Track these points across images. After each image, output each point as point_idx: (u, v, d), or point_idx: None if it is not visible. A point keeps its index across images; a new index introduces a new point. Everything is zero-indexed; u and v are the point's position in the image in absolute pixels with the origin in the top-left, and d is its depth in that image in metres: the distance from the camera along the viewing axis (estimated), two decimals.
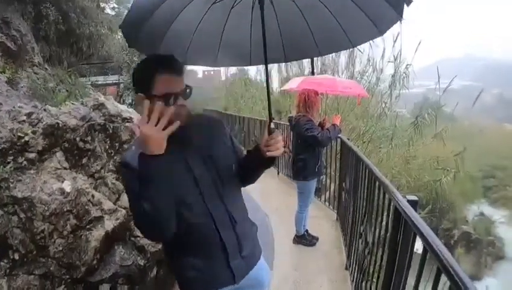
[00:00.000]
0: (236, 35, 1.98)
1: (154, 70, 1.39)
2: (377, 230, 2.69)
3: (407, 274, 2.00)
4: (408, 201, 1.97)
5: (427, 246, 1.52)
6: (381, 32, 2.04)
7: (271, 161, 1.63)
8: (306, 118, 4.14)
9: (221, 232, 1.61)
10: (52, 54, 9.88)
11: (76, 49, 11.67)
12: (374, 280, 2.65)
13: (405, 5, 1.80)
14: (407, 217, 1.82)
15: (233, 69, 20.01)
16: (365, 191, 3.25)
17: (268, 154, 1.56)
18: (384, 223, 2.49)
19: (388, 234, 2.27)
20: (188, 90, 1.46)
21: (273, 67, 12.69)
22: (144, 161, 1.31)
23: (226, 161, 1.64)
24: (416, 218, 1.76)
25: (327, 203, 6.05)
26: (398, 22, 2.01)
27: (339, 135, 5.33)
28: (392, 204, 2.23)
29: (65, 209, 2.48)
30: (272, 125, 1.65)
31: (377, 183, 2.73)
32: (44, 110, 2.61)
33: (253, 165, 1.69)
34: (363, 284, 3.03)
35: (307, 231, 4.62)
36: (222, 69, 18.89)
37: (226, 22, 1.91)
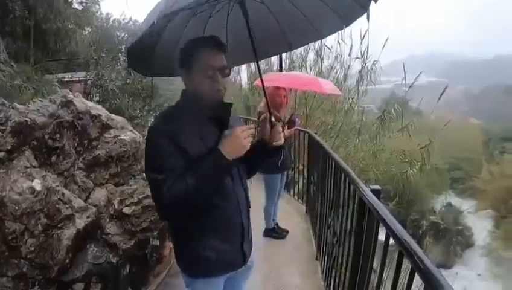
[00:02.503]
0: None
1: (195, 45, 1.62)
2: (344, 220, 2.79)
3: (373, 261, 2.11)
4: (371, 190, 2.08)
5: (390, 232, 1.62)
6: (346, 25, 2.20)
7: (277, 151, 1.88)
8: (266, 118, 4.22)
9: (242, 216, 1.77)
10: (18, 50, 9.61)
11: (43, 45, 11.39)
12: (343, 268, 2.76)
13: (373, 2, 1.92)
14: (371, 205, 1.92)
15: None
16: (332, 183, 3.37)
17: (274, 143, 1.81)
18: (350, 213, 2.60)
19: (354, 223, 2.38)
20: (227, 69, 1.65)
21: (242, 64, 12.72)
22: (224, 160, 1.51)
23: None
24: (379, 206, 1.87)
25: (296, 197, 6.19)
26: (366, 20, 2.17)
27: (304, 130, 5.47)
28: (356, 194, 2.34)
29: (36, 209, 2.46)
30: (273, 119, 1.90)
31: (343, 175, 2.84)
32: (13, 108, 2.58)
33: (258, 157, 1.88)
34: (333, 273, 3.14)
35: (276, 224, 4.72)
36: None
37: (204, 31, 2.02)
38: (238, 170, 1.76)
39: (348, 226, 2.63)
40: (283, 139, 1.86)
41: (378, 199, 2.03)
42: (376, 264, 2.06)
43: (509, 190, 22.91)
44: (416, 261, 1.30)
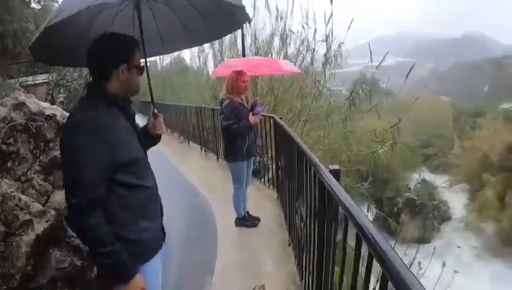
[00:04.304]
0: None
1: (135, 44, 1.77)
2: (309, 204, 2.80)
3: (335, 242, 2.12)
4: (330, 171, 2.08)
5: (346, 212, 1.62)
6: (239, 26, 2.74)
7: (158, 139, 2.13)
8: (229, 102, 4.19)
9: (158, 194, 1.92)
10: None
11: (2, 48, 10.98)
12: (311, 253, 2.77)
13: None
14: (329, 186, 1.93)
15: (167, 59, 19.65)
16: (296, 167, 3.37)
17: (157, 132, 2.07)
18: (313, 195, 2.60)
19: (317, 206, 2.38)
20: None
21: (209, 53, 12.71)
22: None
23: None
24: (337, 186, 1.87)
25: (267, 184, 6.19)
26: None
27: (269, 115, 5.50)
28: (317, 177, 2.34)
29: None
30: (155, 111, 2.09)
31: (304, 158, 2.84)
32: None
33: (146, 145, 1.94)
34: (304, 257, 3.15)
35: (247, 212, 4.71)
36: (157, 59, 18.79)
37: (111, 27, 2.13)
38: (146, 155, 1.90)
39: (313, 210, 2.64)
40: (163, 130, 2.12)
41: (338, 178, 2.04)
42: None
43: (482, 163, 23.61)
44: (372, 243, 1.30)
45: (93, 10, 1.85)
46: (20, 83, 10.67)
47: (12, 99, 2.97)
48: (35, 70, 11.93)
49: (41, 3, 13.38)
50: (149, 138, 2.05)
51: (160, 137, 2.12)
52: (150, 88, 2.24)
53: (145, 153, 1.88)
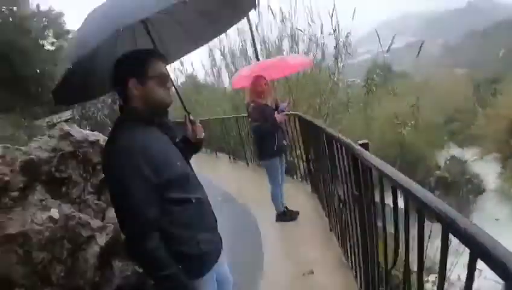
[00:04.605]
0: None
1: (149, 55, 1.71)
2: (344, 183, 2.97)
3: (375, 204, 2.28)
4: (360, 144, 2.27)
5: (381, 173, 1.80)
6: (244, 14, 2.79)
7: (200, 145, 2.07)
8: (255, 105, 4.44)
9: (209, 204, 1.88)
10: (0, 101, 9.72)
11: (24, 91, 11.50)
12: (353, 229, 2.93)
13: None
14: (361, 156, 2.11)
15: (181, 78, 20.02)
16: (327, 152, 3.55)
17: (198, 137, 2.01)
18: (348, 173, 2.77)
19: (352, 180, 2.56)
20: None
21: (222, 65, 13.02)
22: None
23: None
24: (368, 155, 2.05)
25: (300, 180, 6.39)
26: None
27: (293, 113, 5.69)
28: (349, 154, 2.52)
29: (58, 235, 2.62)
30: (191, 117, 2.05)
31: (334, 141, 3.02)
32: (17, 148, 2.74)
33: (188, 153, 1.98)
34: (347, 235, 3.31)
35: (286, 207, 4.88)
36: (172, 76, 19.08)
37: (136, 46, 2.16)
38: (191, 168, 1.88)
39: (349, 187, 2.81)
40: (203, 133, 2.05)
41: (367, 150, 2.22)
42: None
43: (509, 129, 22.94)
44: (411, 193, 1.46)
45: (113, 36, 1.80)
46: (47, 122, 11.15)
47: (59, 131, 3.23)
48: (59, 108, 12.40)
49: (54, 44, 13.91)
50: (189, 147, 2.01)
51: (202, 142, 2.06)
52: (179, 96, 2.30)
53: (189, 164, 1.87)
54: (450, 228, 1.18)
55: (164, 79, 1.70)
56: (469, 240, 1.06)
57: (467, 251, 1.10)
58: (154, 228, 1.56)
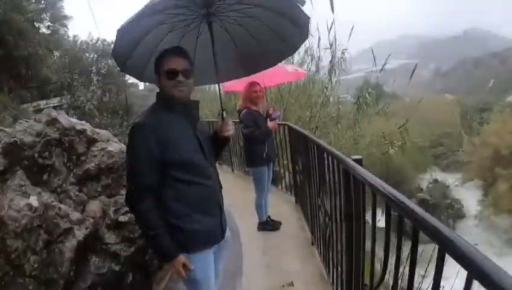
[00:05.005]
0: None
1: (166, 52, 1.94)
2: (333, 197, 2.93)
3: (365, 222, 2.25)
4: (353, 160, 2.24)
5: (375, 189, 1.78)
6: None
7: (227, 140, 2.24)
8: (247, 111, 4.39)
9: (218, 194, 2.09)
10: None
11: (16, 73, 11.27)
12: (338, 244, 2.88)
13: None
14: (354, 171, 2.07)
15: None
16: (316, 165, 3.51)
17: (225, 134, 2.14)
18: (337, 188, 2.73)
19: (342, 195, 2.52)
20: (190, 70, 1.95)
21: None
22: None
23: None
24: (362, 170, 2.02)
25: (285, 190, 6.33)
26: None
27: (283, 123, 5.66)
28: (340, 168, 2.48)
29: (35, 224, 2.52)
30: (224, 114, 2.23)
31: (325, 153, 2.99)
32: (0, 130, 2.64)
33: (217, 146, 2.21)
34: (330, 251, 3.27)
35: (269, 216, 4.83)
36: None
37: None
38: (210, 155, 2.07)
39: (338, 202, 2.77)
40: (232, 131, 2.17)
41: (361, 166, 2.19)
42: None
43: (493, 157, 23.34)
44: (404, 209, 1.45)
45: (163, 28, 2.17)
46: (34, 107, 10.93)
47: (46, 116, 3.14)
48: (47, 94, 12.19)
49: (50, 28, 13.70)
50: (217, 141, 2.19)
51: (228, 139, 2.24)
52: (220, 95, 2.63)
53: (211, 156, 2.08)
54: (447, 248, 1.16)
55: (172, 74, 1.89)
56: (466, 261, 1.04)
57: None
58: (150, 194, 1.83)
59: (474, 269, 1.00)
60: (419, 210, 1.36)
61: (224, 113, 2.25)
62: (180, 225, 1.89)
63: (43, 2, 13.12)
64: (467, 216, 23.89)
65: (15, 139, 2.63)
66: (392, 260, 1.71)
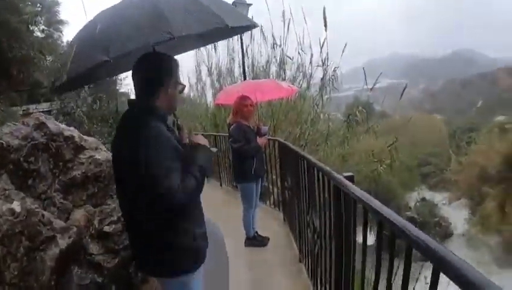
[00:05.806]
0: None
1: (175, 62, 1.90)
2: (322, 214, 2.91)
3: (355, 239, 2.23)
4: (345, 177, 2.22)
5: (365, 205, 1.79)
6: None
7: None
8: (237, 126, 4.38)
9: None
10: None
11: (7, 74, 11.10)
12: (327, 261, 2.85)
13: None
14: (346, 188, 2.06)
15: None
16: (306, 182, 3.50)
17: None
18: (327, 204, 2.71)
19: (332, 212, 2.50)
20: None
21: (207, 81, 12.97)
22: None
23: None
24: (353, 187, 2.01)
25: (273, 206, 6.30)
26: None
27: (273, 138, 5.67)
28: (331, 184, 2.46)
29: (17, 230, 2.44)
30: (179, 122, 2.14)
31: (315, 170, 2.97)
32: None
33: None
34: (318, 270, 3.23)
35: (256, 232, 4.79)
36: None
37: None
38: None
39: (327, 219, 2.74)
40: (187, 140, 2.06)
41: (353, 183, 2.18)
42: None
43: (480, 177, 23.59)
44: (391, 221, 1.46)
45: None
46: (23, 110, 10.77)
47: (34, 120, 3.08)
48: (38, 98, 12.04)
49: (45, 32, 13.58)
50: None
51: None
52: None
53: None
54: (441, 266, 1.15)
55: (183, 89, 2.01)
56: (461, 279, 1.03)
57: None
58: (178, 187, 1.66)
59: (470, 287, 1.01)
60: (412, 228, 1.35)
61: (178, 120, 2.14)
62: (182, 243, 1.84)
63: (39, 5, 13.00)
64: (455, 234, 24.06)
65: (1, 141, 2.57)
66: (383, 280, 1.70)
